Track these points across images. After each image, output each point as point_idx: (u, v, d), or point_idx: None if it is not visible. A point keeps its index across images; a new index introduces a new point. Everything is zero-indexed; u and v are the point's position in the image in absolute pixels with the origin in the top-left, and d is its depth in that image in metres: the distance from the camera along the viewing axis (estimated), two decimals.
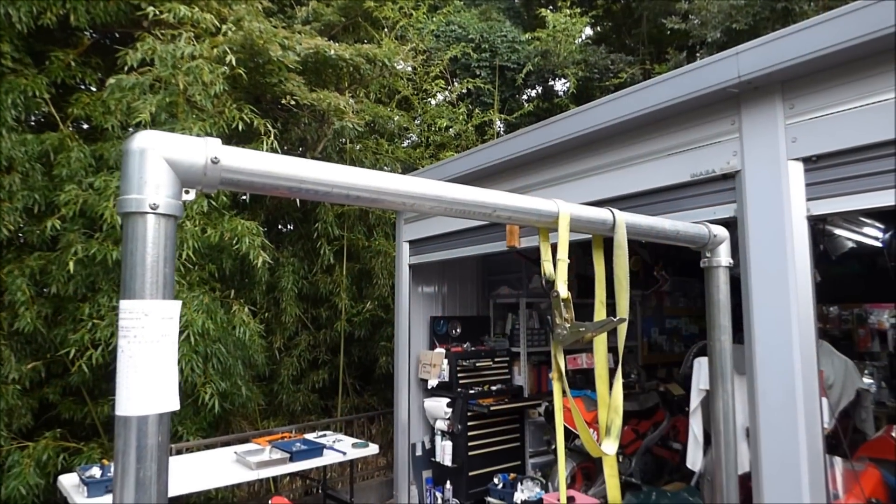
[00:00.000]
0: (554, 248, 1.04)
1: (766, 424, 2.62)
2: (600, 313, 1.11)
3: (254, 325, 4.97)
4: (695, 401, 3.24)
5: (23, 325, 4.29)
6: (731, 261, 1.37)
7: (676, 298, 6.58)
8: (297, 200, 5.87)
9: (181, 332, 4.24)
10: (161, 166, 0.65)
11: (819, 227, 3.40)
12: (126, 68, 4.57)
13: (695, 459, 3.25)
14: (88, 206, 4.34)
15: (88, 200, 4.35)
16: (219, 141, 0.70)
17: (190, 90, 4.63)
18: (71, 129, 4.95)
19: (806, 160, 2.60)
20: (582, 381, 4.62)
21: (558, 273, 1.02)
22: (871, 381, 4.79)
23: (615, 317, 1.05)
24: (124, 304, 0.65)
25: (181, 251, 4.32)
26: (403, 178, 0.84)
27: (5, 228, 4.34)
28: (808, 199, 2.59)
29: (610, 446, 1.06)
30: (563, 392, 1.05)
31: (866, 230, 3.70)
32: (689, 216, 2.98)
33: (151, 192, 0.65)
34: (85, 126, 5.42)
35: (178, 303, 0.67)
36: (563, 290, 1.01)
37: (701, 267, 1.40)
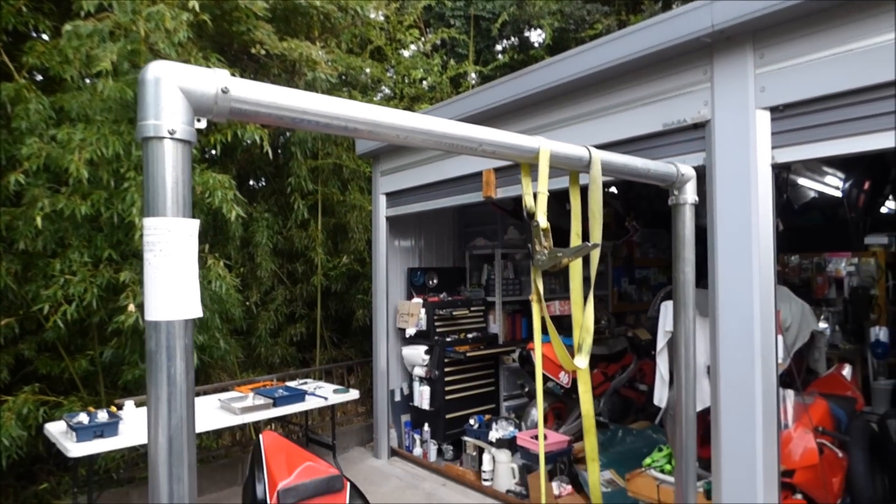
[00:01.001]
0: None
1: (725, 360, 2.84)
2: (575, 244, 1.21)
3: (230, 279, 4.98)
4: (661, 342, 3.45)
5: None
6: (697, 198, 1.48)
7: (646, 249, 6.81)
8: (270, 154, 5.79)
9: None
10: (176, 95, 0.71)
11: (783, 177, 3.56)
12: (83, 14, 4.37)
13: (661, 396, 3.48)
14: (52, 159, 4.20)
15: (52, 154, 4.22)
16: (227, 72, 0.75)
17: (152, 37, 4.47)
18: (26, 79, 4.74)
19: (773, 109, 2.72)
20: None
21: (538, 205, 1.12)
22: (827, 325, 5.12)
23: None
24: (148, 222, 0.71)
25: None
26: (399, 113, 0.91)
27: None
28: (774, 148, 2.73)
29: (582, 361, 1.19)
30: (542, 317, 1.16)
31: (828, 180, 3.88)
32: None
33: (168, 119, 0.70)
34: (40, 77, 5.20)
35: (197, 221, 0.74)
36: (542, 220, 1.11)
37: (669, 204, 1.52)
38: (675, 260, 1.49)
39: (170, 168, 0.70)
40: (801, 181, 3.75)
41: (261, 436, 2.11)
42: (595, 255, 1.17)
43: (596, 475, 1.25)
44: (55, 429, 3.47)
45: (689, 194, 1.46)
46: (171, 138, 0.71)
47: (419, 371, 4.91)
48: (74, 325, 4.54)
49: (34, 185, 4.30)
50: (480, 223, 5.76)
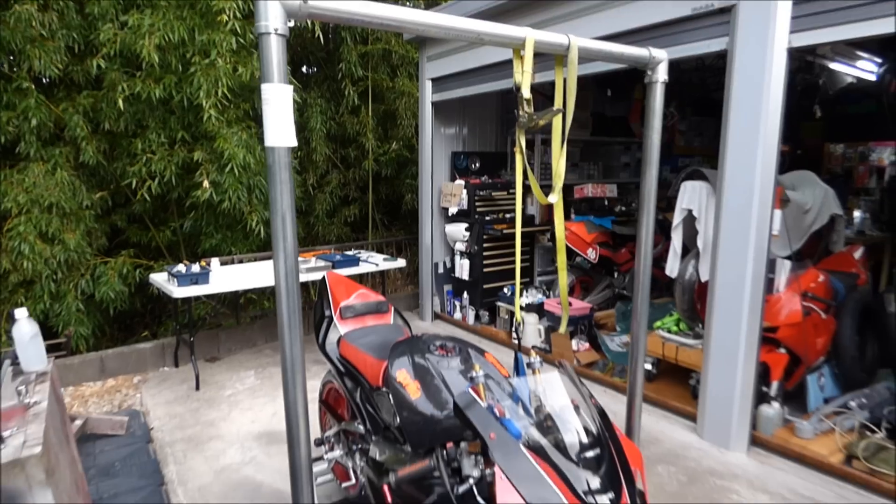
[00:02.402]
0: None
1: (725, 231, 3.28)
2: (558, 117, 1.64)
3: None
4: (677, 218, 3.86)
5: (86, 158, 4.94)
6: (667, 77, 1.86)
7: (691, 138, 6.92)
8: (321, 39, 6.13)
9: (225, 166, 4.90)
10: (276, 6, 1.19)
11: (810, 61, 3.68)
12: None
13: (672, 267, 3.96)
14: (126, 45, 4.69)
15: (125, 39, 4.70)
16: None
17: None
18: None
19: None
20: (586, 208, 5.26)
21: (524, 81, 1.56)
22: (861, 213, 5.30)
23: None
24: (265, 87, 1.22)
25: (216, 89, 4.78)
26: (415, 11, 1.35)
27: (54, 67, 4.74)
28: (792, 32, 2.95)
29: (553, 197, 1.69)
30: (524, 167, 1.65)
31: (861, 64, 3.95)
32: (686, 49, 3.35)
33: (272, 21, 1.19)
34: None
35: (290, 87, 1.24)
36: (526, 92, 1.56)
37: (644, 83, 1.90)
38: (645, 129, 1.90)
39: (275, 53, 1.20)
40: (834, 66, 3.85)
41: (325, 274, 2.78)
42: (568, 118, 1.62)
43: (564, 281, 1.78)
44: (159, 278, 4.34)
45: (661, 74, 1.83)
46: (275, 34, 1.20)
47: (460, 246, 5.53)
48: (157, 200, 5.34)
49: (111, 69, 4.88)
50: None
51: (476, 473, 1.49)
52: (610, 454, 1.48)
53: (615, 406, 3.90)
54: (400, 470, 1.56)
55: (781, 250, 3.62)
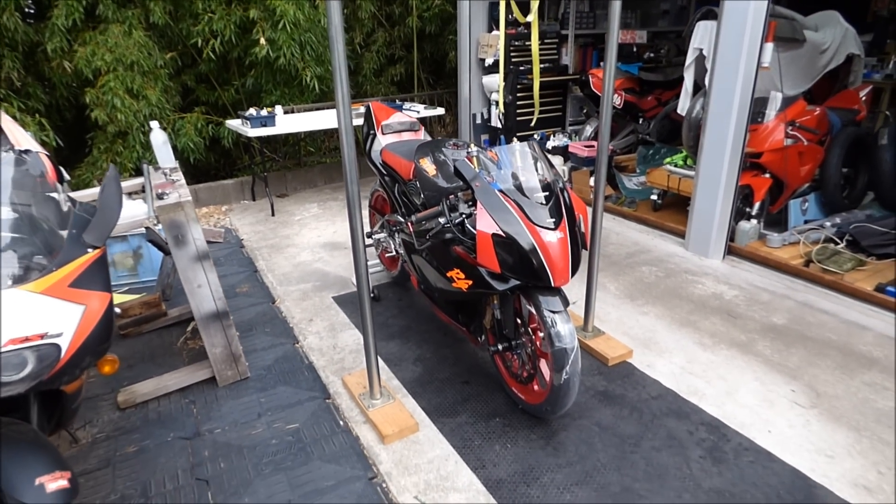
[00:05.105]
0: None
1: (720, 63, 3.85)
2: None
3: None
4: (689, 58, 4.39)
5: (155, 18, 5.77)
6: None
7: None
8: None
9: (278, 23, 5.63)
10: None
11: None
12: None
13: (683, 105, 4.55)
14: None
15: None
16: None
17: None
18: None
19: None
20: None
21: None
22: None
23: None
24: None
25: None
26: None
27: None
28: None
29: (530, 17, 2.41)
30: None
31: None
32: None
33: None
34: None
35: None
36: None
37: None
38: None
39: None
40: None
41: (370, 104, 3.62)
42: None
43: (537, 85, 2.53)
44: (234, 123, 5.32)
45: None
46: None
47: (496, 96, 6.19)
48: (220, 60, 6.16)
49: None
50: None
51: (467, 210, 2.39)
52: (557, 198, 2.33)
53: (619, 227, 4.75)
54: (419, 214, 2.49)
55: (789, 88, 4.12)
